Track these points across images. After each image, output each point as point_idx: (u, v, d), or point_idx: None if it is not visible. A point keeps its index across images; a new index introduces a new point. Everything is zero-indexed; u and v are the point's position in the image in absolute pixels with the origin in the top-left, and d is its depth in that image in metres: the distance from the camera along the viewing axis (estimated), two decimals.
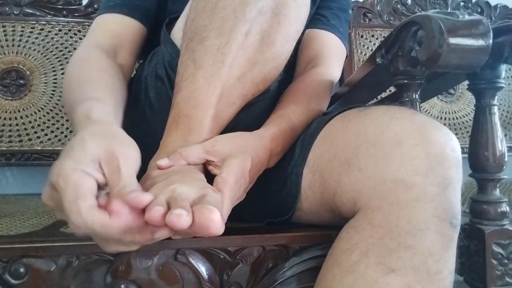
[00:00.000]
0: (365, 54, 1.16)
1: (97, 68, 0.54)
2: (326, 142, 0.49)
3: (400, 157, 0.41)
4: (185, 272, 0.46)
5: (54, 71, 1.02)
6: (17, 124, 0.98)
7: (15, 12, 1.03)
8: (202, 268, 0.47)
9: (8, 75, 1.00)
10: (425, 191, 0.40)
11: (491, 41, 0.42)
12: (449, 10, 0.47)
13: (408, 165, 0.40)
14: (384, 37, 0.63)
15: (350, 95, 0.69)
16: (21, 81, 1.00)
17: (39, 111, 1.00)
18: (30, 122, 0.99)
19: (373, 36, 1.17)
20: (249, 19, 0.45)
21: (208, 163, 0.44)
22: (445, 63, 0.43)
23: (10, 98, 1.00)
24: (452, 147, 0.41)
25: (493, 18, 1.22)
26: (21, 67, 1.01)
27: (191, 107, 0.46)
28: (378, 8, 1.18)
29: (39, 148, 0.98)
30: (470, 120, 1.16)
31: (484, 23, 0.42)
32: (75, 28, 1.05)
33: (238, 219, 0.48)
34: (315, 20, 0.73)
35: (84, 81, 0.51)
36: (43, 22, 1.04)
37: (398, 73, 0.51)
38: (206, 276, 0.47)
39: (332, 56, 0.70)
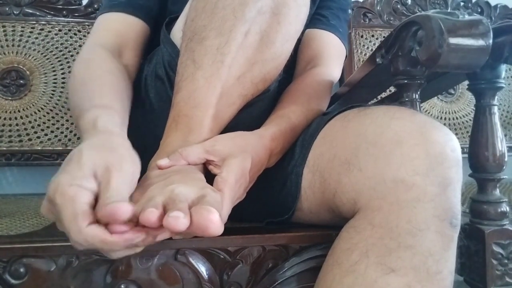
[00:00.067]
0: (365, 54, 1.16)
1: (103, 70, 0.54)
2: (326, 142, 0.49)
3: (400, 157, 0.41)
4: (185, 272, 0.46)
5: (54, 71, 1.02)
6: (17, 124, 0.98)
7: (15, 12, 1.03)
8: (202, 268, 0.47)
9: (8, 75, 1.00)
10: (425, 191, 0.40)
11: (491, 41, 0.42)
12: (449, 10, 0.47)
13: (408, 165, 0.40)
14: (384, 37, 0.63)
15: (350, 95, 0.69)
16: (21, 81, 1.00)
17: (39, 111, 1.00)
18: (30, 122, 0.99)
19: (373, 36, 1.17)
20: (248, 19, 0.45)
21: (208, 163, 0.44)
22: (445, 63, 0.43)
23: (10, 98, 1.00)
24: (452, 147, 0.41)
25: (493, 18, 1.22)
26: (21, 67, 1.01)
27: (191, 107, 0.46)
28: (378, 8, 1.18)
29: (39, 148, 0.98)
30: (470, 120, 1.16)
31: (484, 23, 0.42)
32: (75, 28, 1.05)
33: (238, 219, 0.48)
34: (315, 20, 0.73)
35: (91, 85, 0.51)
36: (43, 22, 1.04)
37: (398, 73, 0.51)
38: (206, 276, 0.47)
39: (332, 56, 0.70)
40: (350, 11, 0.85)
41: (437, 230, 0.39)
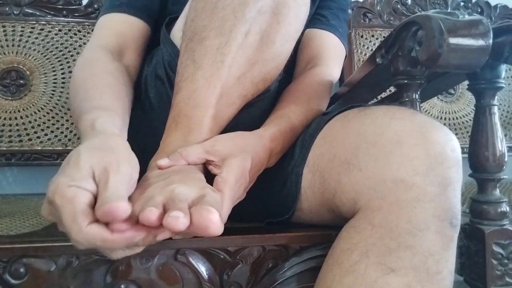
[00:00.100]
0: (365, 54, 1.16)
1: (104, 72, 0.54)
2: (326, 142, 0.49)
3: (400, 157, 0.41)
4: (185, 272, 0.46)
5: (54, 71, 1.02)
6: (17, 124, 0.98)
7: (15, 12, 1.03)
8: (202, 268, 0.47)
9: (8, 75, 1.00)
10: (425, 191, 0.40)
11: (491, 41, 0.42)
12: (449, 10, 0.47)
13: (408, 165, 0.40)
14: (384, 37, 0.63)
15: (350, 95, 0.69)
16: (21, 81, 1.00)
17: (39, 111, 1.00)
18: (30, 122, 0.99)
19: (373, 36, 1.17)
20: (248, 19, 0.45)
21: (208, 163, 0.44)
22: (445, 63, 0.43)
23: (10, 98, 1.00)
24: (452, 147, 0.41)
25: (493, 18, 1.22)
26: (21, 67, 1.01)
27: (190, 107, 0.46)
28: (378, 8, 1.18)
29: (39, 148, 0.98)
30: (470, 120, 1.16)
31: (484, 23, 0.42)
32: (75, 28, 1.05)
33: (238, 219, 0.48)
34: (315, 20, 0.73)
35: (91, 87, 0.51)
36: (43, 22, 1.04)
37: (398, 73, 0.51)
38: (206, 276, 0.47)
39: (331, 56, 0.70)
40: (350, 11, 0.85)
41: (437, 230, 0.39)
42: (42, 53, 1.02)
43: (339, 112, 0.51)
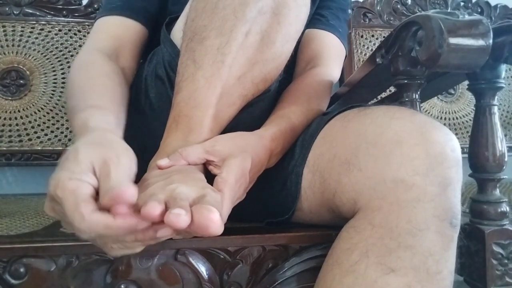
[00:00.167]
0: (365, 54, 1.16)
1: (99, 74, 0.54)
2: (326, 142, 0.49)
3: (400, 157, 0.41)
4: (185, 272, 0.46)
5: (54, 71, 1.02)
6: (17, 124, 0.98)
7: (15, 12, 1.03)
8: (202, 268, 0.47)
9: (8, 75, 1.00)
10: (425, 191, 0.40)
11: (491, 41, 0.42)
12: (449, 10, 0.47)
13: (408, 165, 0.40)
14: (384, 37, 0.63)
15: (350, 95, 0.69)
16: (21, 81, 1.00)
17: (39, 111, 1.00)
18: (30, 122, 0.99)
19: (373, 36, 1.17)
20: (249, 19, 0.45)
21: (208, 163, 0.44)
22: (445, 63, 0.43)
23: (10, 98, 1.00)
24: (452, 147, 0.41)
25: (493, 18, 1.22)
26: (21, 67, 1.01)
27: (191, 107, 0.46)
28: (378, 8, 1.18)
29: (39, 148, 0.98)
30: (470, 120, 1.16)
31: (484, 23, 0.42)
32: (75, 28, 1.05)
33: (238, 219, 0.48)
34: (315, 20, 0.73)
35: (86, 88, 0.51)
36: (43, 22, 1.04)
37: (398, 73, 0.51)
38: (206, 276, 0.47)
39: (331, 56, 0.70)
40: (350, 11, 0.85)
41: (437, 230, 0.39)
42: (42, 53, 1.02)
43: (339, 112, 0.51)
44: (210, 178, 0.42)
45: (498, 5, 1.23)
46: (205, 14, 0.46)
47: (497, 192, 0.54)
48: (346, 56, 0.76)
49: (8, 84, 1.00)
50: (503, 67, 0.53)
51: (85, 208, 0.32)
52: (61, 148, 0.99)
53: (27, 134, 0.98)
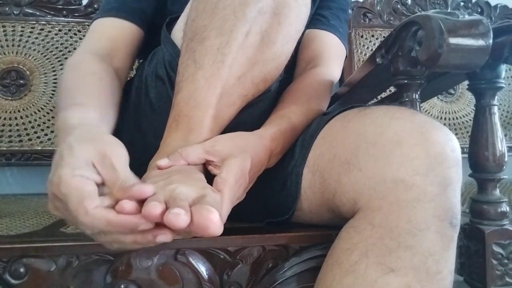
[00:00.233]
0: (365, 54, 1.16)
1: (87, 73, 0.54)
2: (326, 142, 0.49)
3: (400, 157, 0.41)
4: (185, 272, 0.46)
5: (54, 71, 1.02)
6: (17, 124, 0.98)
7: (15, 12, 1.03)
8: (202, 268, 0.47)
9: (8, 75, 1.00)
10: (425, 191, 0.40)
11: (491, 41, 0.42)
12: (449, 10, 0.47)
13: (408, 165, 0.40)
14: (384, 37, 0.63)
15: (350, 95, 0.69)
16: (21, 81, 1.00)
17: (39, 111, 1.00)
18: (30, 122, 0.99)
19: (373, 36, 1.17)
20: (249, 19, 0.45)
21: (208, 163, 0.44)
22: (445, 63, 0.43)
23: (10, 98, 1.00)
24: (452, 147, 0.41)
25: (493, 18, 1.22)
26: (21, 67, 1.01)
27: (191, 107, 0.46)
28: (378, 8, 1.18)
29: (39, 148, 0.98)
30: (470, 120, 1.16)
31: (484, 23, 0.42)
32: (75, 28, 1.05)
33: (238, 219, 0.48)
34: (315, 20, 0.73)
35: (72, 87, 0.52)
36: (43, 22, 1.04)
37: (398, 73, 0.51)
38: (206, 276, 0.47)
39: (332, 56, 0.70)
40: (350, 11, 0.85)
41: (437, 230, 0.39)
42: (42, 53, 1.02)
43: (339, 112, 0.51)
44: (210, 178, 0.42)
45: (498, 5, 1.23)
46: (205, 14, 0.46)
47: (497, 192, 0.54)
48: (346, 56, 0.76)
49: (8, 84, 1.00)
50: (503, 67, 0.53)
51: (89, 203, 0.32)
52: None
53: (27, 134, 0.98)
